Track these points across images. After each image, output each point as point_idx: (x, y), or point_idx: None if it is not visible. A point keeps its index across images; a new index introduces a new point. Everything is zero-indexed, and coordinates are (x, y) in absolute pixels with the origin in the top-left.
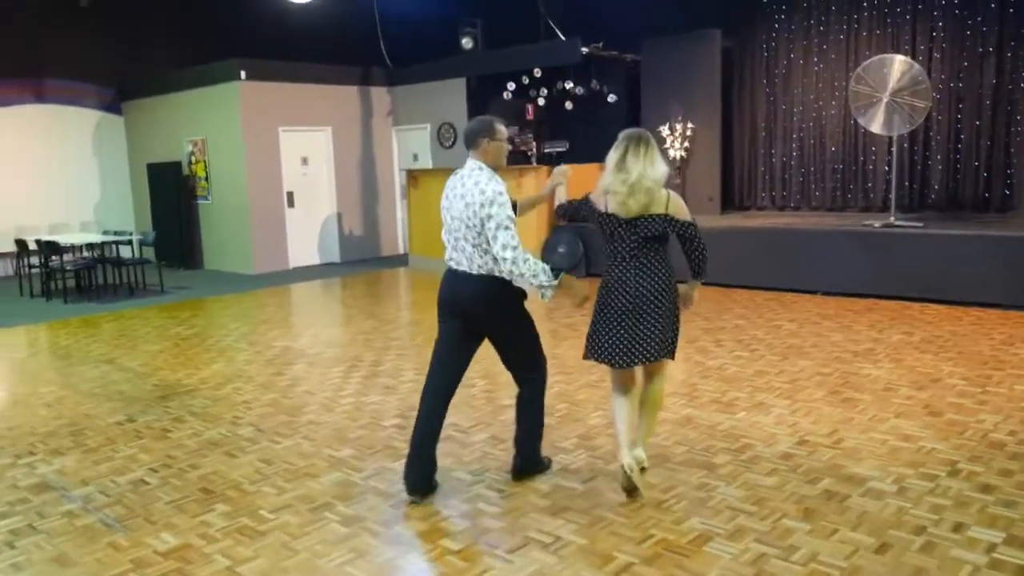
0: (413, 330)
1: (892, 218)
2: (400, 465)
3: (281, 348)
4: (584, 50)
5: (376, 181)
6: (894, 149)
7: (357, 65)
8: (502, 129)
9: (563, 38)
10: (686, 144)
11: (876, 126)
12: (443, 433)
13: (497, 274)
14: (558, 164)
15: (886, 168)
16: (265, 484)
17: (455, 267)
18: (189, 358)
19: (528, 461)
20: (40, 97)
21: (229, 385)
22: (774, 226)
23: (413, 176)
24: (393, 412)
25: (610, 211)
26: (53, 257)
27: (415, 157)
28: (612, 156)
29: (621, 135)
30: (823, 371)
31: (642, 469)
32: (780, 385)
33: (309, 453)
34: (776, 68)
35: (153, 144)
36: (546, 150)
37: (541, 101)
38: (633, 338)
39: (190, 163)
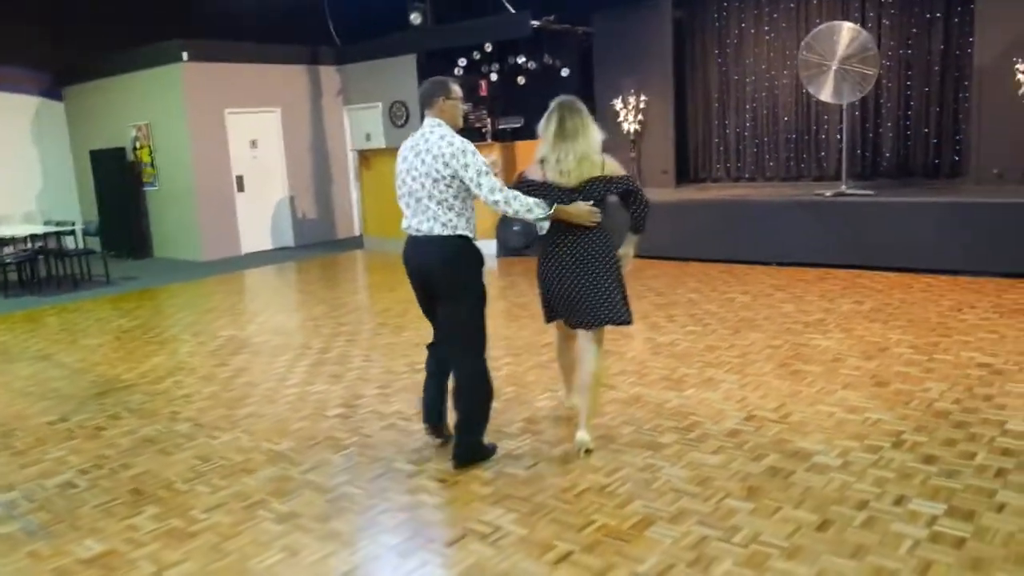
0: (364, 315)
1: (843, 187)
2: (341, 456)
3: (226, 338)
4: (534, 23)
5: (329, 162)
6: (845, 117)
7: (305, 44)
8: (457, 88)
9: (512, 11)
10: (640, 117)
11: (826, 94)
12: (386, 421)
13: (461, 232)
14: (512, 141)
15: (838, 137)
16: (199, 483)
17: (416, 233)
18: (130, 352)
19: (467, 448)
20: None
21: (169, 379)
22: (727, 198)
23: (365, 156)
24: (337, 401)
25: (548, 180)
26: None
27: (368, 137)
28: (549, 127)
29: (553, 103)
30: (773, 343)
31: (587, 451)
32: (730, 360)
33: (247, 448)
34: (728, 38)
35: (96, 130)
36: (500, 126)
37: (494, 77)
38: (578, 299)
39: (135, 149)
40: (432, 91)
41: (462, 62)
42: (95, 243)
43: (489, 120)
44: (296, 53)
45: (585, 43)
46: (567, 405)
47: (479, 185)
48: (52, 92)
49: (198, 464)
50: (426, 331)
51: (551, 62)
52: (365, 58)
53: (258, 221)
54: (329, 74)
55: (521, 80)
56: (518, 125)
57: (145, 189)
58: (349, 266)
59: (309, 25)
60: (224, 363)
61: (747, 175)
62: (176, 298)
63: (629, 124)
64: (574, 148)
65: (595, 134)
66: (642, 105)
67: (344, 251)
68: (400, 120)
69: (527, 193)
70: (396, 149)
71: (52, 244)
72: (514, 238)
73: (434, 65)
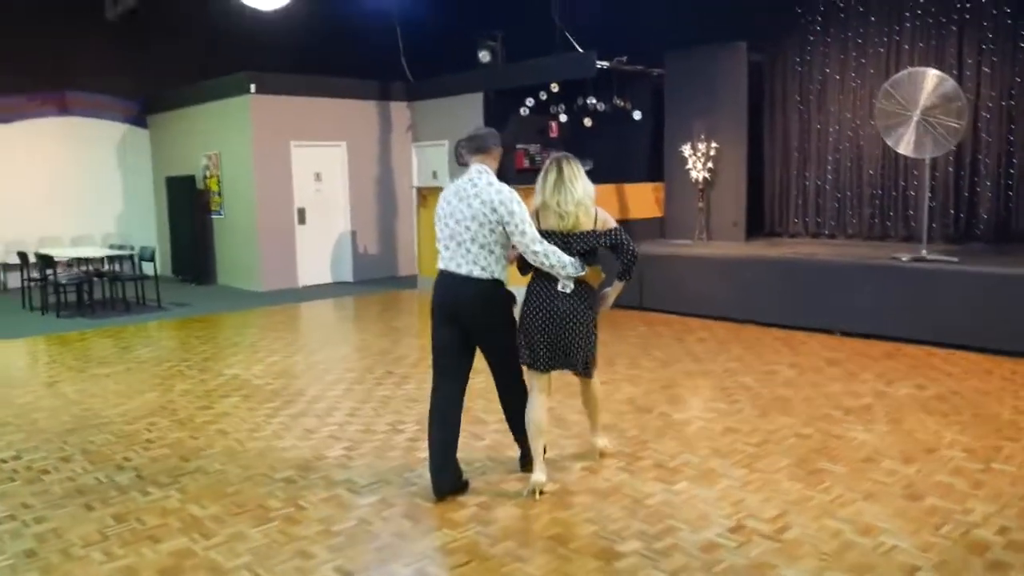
0: (378, 361)
1: (924, 251)
2: (259, 532)
3: (229, 376)
4: (603, 64)
5: (394, 198)
6: (929, 173)
7: (376, 79)
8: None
9: (580, 51)
10: (709, 165)
11: (905, 147)
12: (330, 492)
13: (496, 276)
14: None
15: (929, 195)
16: (97, 549)
17: (455, 271)
18: (129, 385)
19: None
20: (64, 110)
21: (145, 420)
22: (791, 256)
23: (423, 194)
24: (294, 462)
25: (545, 228)
26: (47, 271)
27: (434, 174)
28: (549, 176)
29: (550, 159)
30: (802, 432)
31: (601, 455)
32: (745, 448)
33: (170, 510)
34: (810, 83)
35: (173, 157)
36: None
37: (563, 118)
38: (555, 347)
39: (205, 177)
40: (489, 140)
41: (529, 101)
42: (161, 268)
43: None
44: (366, 88)
45: (658, 85)
46: (534, 482)
47: (523, 233)
48: (138, 120)
49: (110, 526)
50: (427, 383)
51: (622, 104)
52: (434, 95)
53: (318, 254)
54: (399, 109)
55: (588, 122)
56: (588, 168)
57: (212, 217)
58: (394, 306)
59: (382, 61)
60: (209, 406)
61: (827, 231)
62: (211, 329)
63: (697, 172)
64: (573, 193)
65: (589, 186)
66: (712, 152)
67: (400, 289)
68: (463, 159)
69: None
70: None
71: (116, 267)
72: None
73: (501, 104)
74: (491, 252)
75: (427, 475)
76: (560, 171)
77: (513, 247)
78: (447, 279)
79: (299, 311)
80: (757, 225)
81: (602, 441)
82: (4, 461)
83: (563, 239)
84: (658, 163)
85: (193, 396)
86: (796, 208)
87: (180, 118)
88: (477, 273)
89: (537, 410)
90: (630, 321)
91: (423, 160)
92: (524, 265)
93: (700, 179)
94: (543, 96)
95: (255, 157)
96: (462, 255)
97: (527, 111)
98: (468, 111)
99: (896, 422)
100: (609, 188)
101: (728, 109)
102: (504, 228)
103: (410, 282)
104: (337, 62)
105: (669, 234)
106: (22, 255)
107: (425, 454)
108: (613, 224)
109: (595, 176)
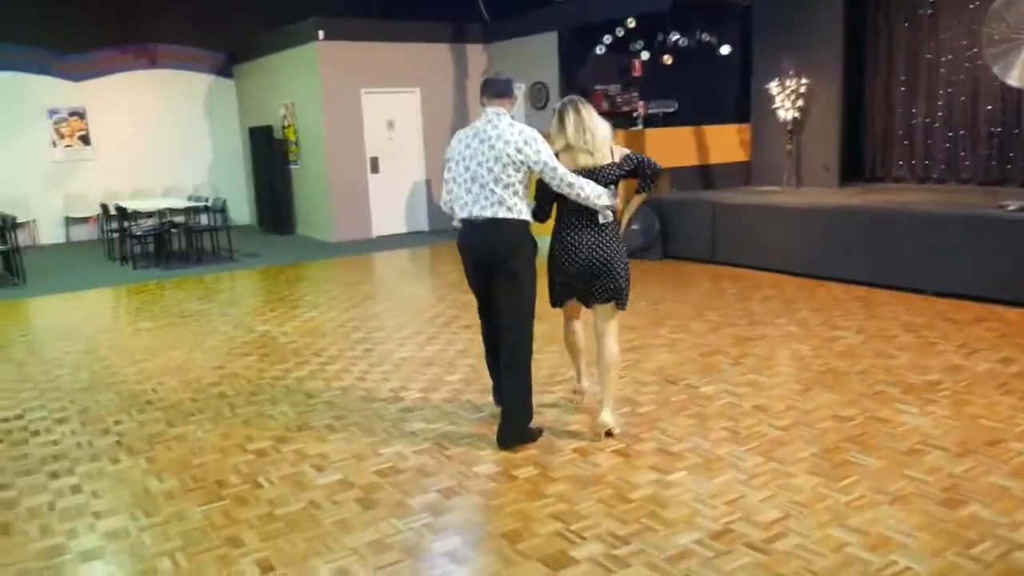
0: (413, 318)
1: None
2: (202, 511)
3: (259, 334)
4: None
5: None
6: None
7: (450, 21)
8: None
9: None
10: (799, 103)
11: (1014, 78)
12: (287, 471)
13: (524, 216)
14: (664, 127)
15: None
16: (36, 524)
17: (478, 216)
18: (163, 340)
19: (515, 430)
20: (154, 62)
21: (156, 379)
22: (882, 204)
23: None
24: (275, 432)
25: (571, 168)
26: (125, 222)
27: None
28: (568, 117)
29: (564, 102)
30: (843, 413)
31: (608, 433)
32: (768, 431)
33: (128, 481)
34: (919, 8)
35: (255, 108)
36: (652, 110)
37: (645, 55)
38: (593, 279)
39: (283, 127)
40: (508, 87)
41: (607, 39)
42: (248, 218)
43: (640, 104)
44: (439, 30)
45: (748, 17)
46: (577, 389)
47: (553, 170)
48: (224, 71)
49: (64, 497)
50: (458, 340)
51: (707, 39)
52: (510, 36)
53: (392, 204)
54: (475, 53)
55: (667, 59)
56: (672, 110)
57: (290, 167)
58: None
59: (455, 2)
60: (222, 366)
61: (936, 175)
62: (268, 281)
63: (786, 111)
64: (595, 130)
65: (605, 125)
66: (802, 89)
67: None
68: (540, 102)
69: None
70: (544, 132)
71: (198, 219)
72: (633, 239)
73: (576, 43)
74: (515, 192)
75: (397, 455)
76: (579, 112)
77: None
78: (472, 225)
79: (363, 262)
80: (855, 170)
81: (610, 418)
82: (5, 420)
83: (590, 175)
84: (746, 103)
85: (214, 354)
86: (901, 150)
87: (260, 68)
88: (504, 214)
89: (578, 334)
90: (696, 276)
91: None
92: (540, 211)
93: (789, 119)
94: (620, 33)
95: (324, 106)
96: (486, 197)
97: (603, 49)
98: (543, 52)
99: (961, 404)
100: (685, 131)
101: (821, 40)
102: (531, 167)
103: None
104: (409, 4)
105: (755, 180)
106: (104, 207)
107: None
108: (627, 151)
109: (678, 118)
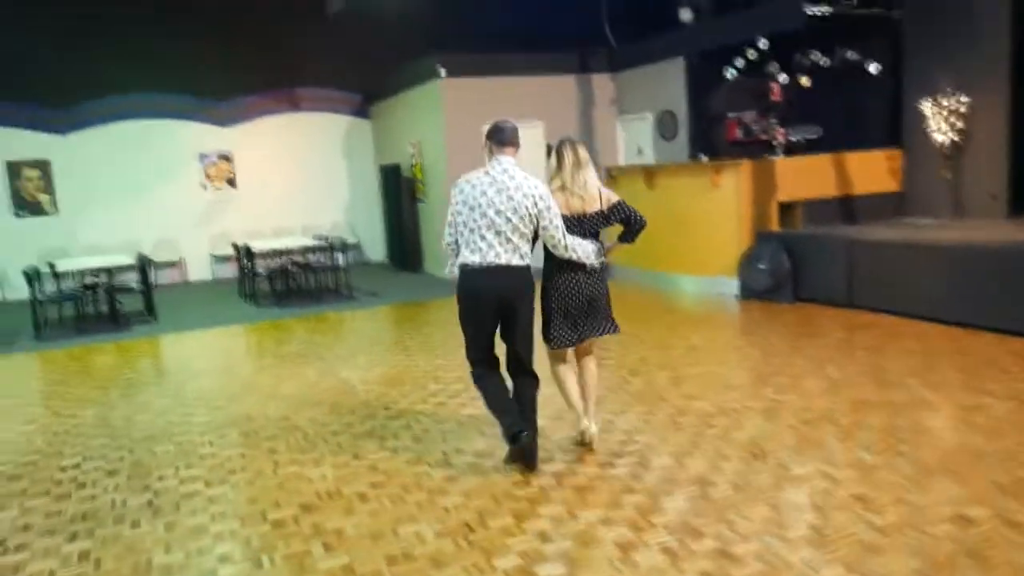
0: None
1: None
2: None
3: (340, 381)
4: (815, 10)
5: (599, 178)
6: None
7: (574, 51)
8: None
9: None
10: (958, 124)
11: None
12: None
13: (529, 262)
14: (804, 153)
15: None
16: None
17: (493, 263)
18: (247, 385)
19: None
20: (296, 106)
21: (217, 431)
22: None
23: (612, 175)
24: (297, 501)
25: (563, 212)
26: (247, 262)
27: (639, 150)
28: (566, 157)
29: (561, 142)
30: (967, 513)
31: (588, 442)
32: (864, 532)
33: (123, 555)
34: None
35: (386, 146)
36: (793, 138)
37: (783, 78)
38: (588, 322)
39: (411, 165)
40: (516, 136)
41: (738, 63)
42: (381, 255)
43: (779, 131)
44: (564, 62)
45: (899, 31)
46: (582, 429)
47: (556, 228)
48: (361, 111)
49: (61, 569)
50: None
51: (852, 57)
52: (637, 63)
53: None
54: (602, 82)
55: (805, 81)
56: (815, 136)
57: (417, 205)
58: None
59: (578, 31)
60: (288, 417)
61: None
62: (378, 321)
63: (943, 134)
64: (590, 176)
65: (594, 172)
66: (962, 108)
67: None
68: (669, 132)
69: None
70: (652, 167)
71: (326, 258)
72: (760, 279)
73: (705, 68)
74: (528, 241)
75: (416, 537)
76: (576, 154)
77: None
78: (491, 271)
79: None
80: None
81: (594, 427)
82: (62, 469)
83: (577, 220)
84: (897, 126)
85: (287, 403)
86: None
87: (391, 107)
88: (517, 261)
89: (571, 378)
90: (826, 323)
91: (630, 135)
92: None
93: (946, 142)
94: (752, 56)
95: (447, 142)
96: (501, 245)
97: (733, 74)
98: (671, 79)
99: None
100: (824, 159)
101: (984, 53)
102: (538, 219)
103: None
104: (533, 37)
105: (908, 211)
106: (235, 246)
107: None
108: (616, 198)
109: (822, 145)
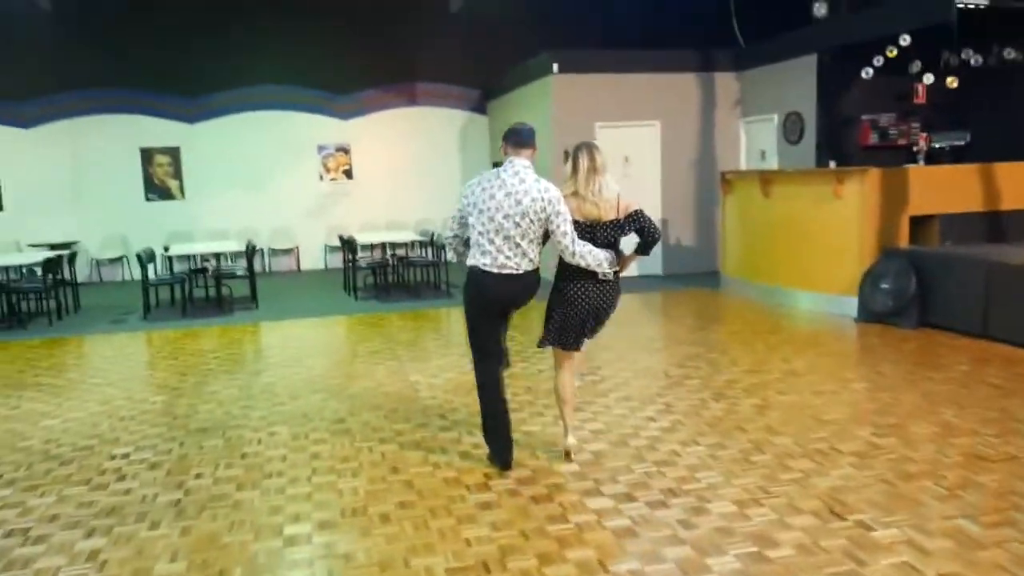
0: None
1: None
2: None
3: (408, 385)
4: (967, 3)
5: (713, 183)
6: None
7: (697, 48)
8: None
9: None
10: None
11: None
12: None
13: (538, 265)
14: (951, 163)
15: None
16: None
17: (500, 270)
18: (320, 382)
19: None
20: (414, 100)
21: (269, 430)
22: None
23: (727, 180)
24: (319, 517)
25: (575, 218)
26: (350, 255)
27: (763, 154)
28: (582, 162)
29: (578, 147)
30: None
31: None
32: None
33: (127, 561)
34: None
35: (499, 142)
36: (937, 144)
37: (928, 78)
38: (591, 328)
39: None
40: (531, 138)
41: (877, 60)
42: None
43: (922, 136)
44: (685, 59)
45: None
46: (567, 446)
47: (565, 234)
48: (479, 107)
49: (68, 566)
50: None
51: (1010, 56)
52: (764, 61)
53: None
54: (725, 81)
55: (952, 82)
56: (962, 143)
57: None
58: (684, 308)
59: (702, 27)
60: (343, 420)
61: None
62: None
63: None
64: (607, 184)
65: (611, 179)
66: None
67: (701, 287)
68: (794, 135)
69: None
70: (772, 172)
71: (416, 251)
72: (881, 300)
73: (839, 67)
74: (538, 245)
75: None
76: (593, 159)
77: None
78: (501, 277)
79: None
80: None
81: (572, 440)
82: (112, 458)
83: (591, 228)
84: None
85: (349, 404)
86: None
87: (506, 104)
88: (526, 266)
89: (567, 382)
90: (953, 355)
91: (752, 138)
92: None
93: None
94: (892, 53)
95: (556, 141)
96: (510, 249)
97: (870, 73)
98: (799, 78)
99: None
100: (967, 169)
101: None
102: (547, 225)
103: (727, 280)
104: (659, 35)
105: None
106: (340, 238)
107: None
108: (635, 207)
109: (970, 153)
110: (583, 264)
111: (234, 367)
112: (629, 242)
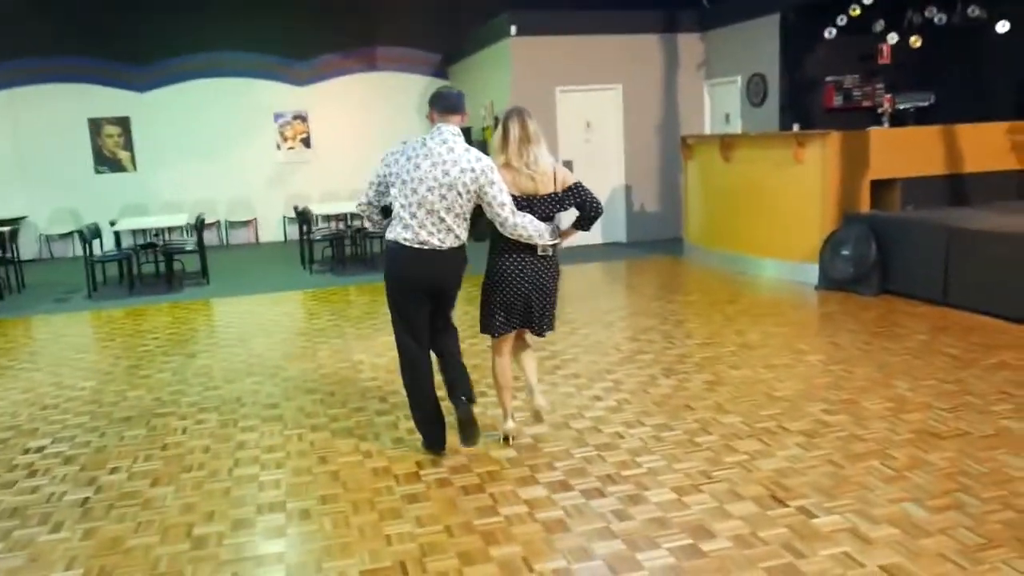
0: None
1: None
2: None
3: (350, 365)
4: None
5: (677, 149)
6: None
7: (659, 9)
8: None
9: None
10: None
11: None
12: None
13: (464, 241)
14: (916, 125)
15: None
16: None
17: (421, 246)
18: (257, 363)
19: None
20: (373, 65)
21: (194, 418)
22: None
23: (687, 144)
24: (235, 514)
25: (511, 192)
26: (304, 227)
27: (726, 118)
28: (511, 134)
29: (508, 112)
30: None
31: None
32: None
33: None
34: None
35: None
36: (901, 106)
37: (892, 38)
38: (530, 310)
39: (483, 128)
40: (460, 102)
41: (841, 21)
42: None
43: (887, 98)
44: (648, 20)
45: None
46: (507, 430)
47: (502, 205)
48: (440, 72)
49: None
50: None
51: (975, 13)
52: (728, 21)
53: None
54: (689, 43)
55: (915, 41)
56: (925, 104)
57: None
58: (624, 279)
59: None
60: (276, 405)
61: None
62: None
63: None
64: (541, 154)
65: (545, 149)
66: None
67: (661, 255)
68: (757, 97)
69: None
70: (733, 136)
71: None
72: (842, 267)
73: (802, 26)
74: (464, 220)
75: None
76: (524, 127)
77: None
78: (422, 255)
79: None
80: None
81: (542, 400)
82: (26, 451)
83: (527, 202)
84: None
85: (283, 387)
86: None
87: (466, 68)
88: (451, 242)
89: (507, 369)
90: (912, 323)
91: (716, 101)
92: (477, 231)
93: None
94: (855, 11)
95: (514, 105)
96: (433, 224)
97: (833, 33)
98: (763, 38)
99: None
100: (930, 131)
101: None
102: (481, 197)
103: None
104: None
105: None
106: (296, 210)
107: None
108: (572, 180)
109: (935, 115)
110: (523, 235)
111: (172, 348)
112: (568, 217)
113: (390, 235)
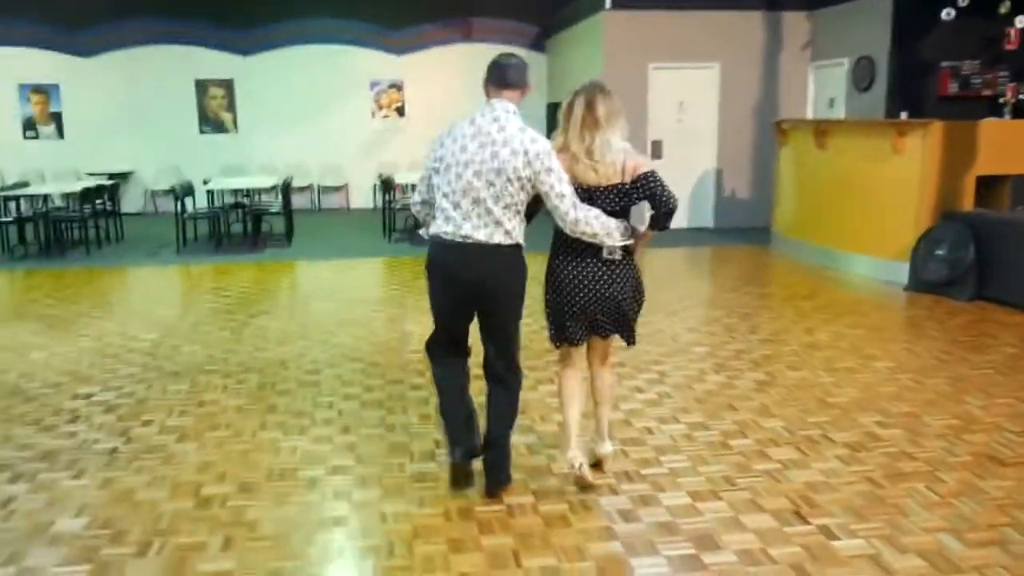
0: None
1: None
2: None
3: (396, 337)
4: None
5: (773, 133)
6: None
7: None
8: None
9: None
10: None
11: None
12: None
13: (520, 240)
14: None
15: None
16: None
17: (465, 240)
18: (305, 327)
19: (505, 470)
20: (468, 36)
21: (236, 376)
22: None
23: (782, 130)
24: (247, 477)
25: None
26: (387, 195)
27: (831, 102)
28: (574, 115)
29: (579, 88)
30: None
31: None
32: None
33: None
34: None
35: (556, 83)
36: None
37: (1021, 21)
38: (598, 320)
39: None
40: (522, 75)
41: (962, 1)
42: None
43: (1010, 87)
44: None
45: None
46: (569, 458)
47: (560, 196)
48: (537, 44)
49: None
50: None
51: None
52: (839, 0)
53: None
54: (795, 21)
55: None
56: None
57: None
58: (702, 267)
59: None
60: (318, 371)
61: None
62: None
63: None
64: (610, 141)
65: (626, 128)
66: None
67: (747, 243)
68: (864, 82)
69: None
70: (836, 121)
71: None
72: (935, 269)
73: (918, 7)
74: (517, 212)
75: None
76: (592, 109)
77: None
78: (465, 250)
79: None
80: None
81: (608, 446)
82: (74, 397)
83: (587, 195)
84: None
85: (330, 355)
86: None
87: (562, 42)
88: (500, 238)
89: (574, 381)
90: (1005, 333)
91: (821, 84)
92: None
93: None
94: None
95: (607, 82)
96: (479, 215)
97: (952, 14)
98: (873, 19)
99: None
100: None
101: None
102: (536, 186)
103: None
104: None
105: None
106: (380, 178)
107: None
108: (644, 168)
109: None
110: (588, 233)
111: (238, 307)
112: (640, 213)
113: (432, 230)
